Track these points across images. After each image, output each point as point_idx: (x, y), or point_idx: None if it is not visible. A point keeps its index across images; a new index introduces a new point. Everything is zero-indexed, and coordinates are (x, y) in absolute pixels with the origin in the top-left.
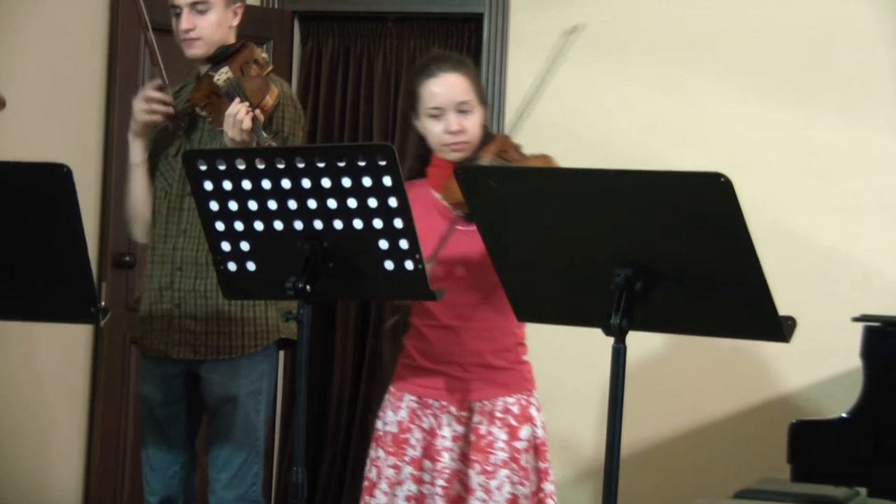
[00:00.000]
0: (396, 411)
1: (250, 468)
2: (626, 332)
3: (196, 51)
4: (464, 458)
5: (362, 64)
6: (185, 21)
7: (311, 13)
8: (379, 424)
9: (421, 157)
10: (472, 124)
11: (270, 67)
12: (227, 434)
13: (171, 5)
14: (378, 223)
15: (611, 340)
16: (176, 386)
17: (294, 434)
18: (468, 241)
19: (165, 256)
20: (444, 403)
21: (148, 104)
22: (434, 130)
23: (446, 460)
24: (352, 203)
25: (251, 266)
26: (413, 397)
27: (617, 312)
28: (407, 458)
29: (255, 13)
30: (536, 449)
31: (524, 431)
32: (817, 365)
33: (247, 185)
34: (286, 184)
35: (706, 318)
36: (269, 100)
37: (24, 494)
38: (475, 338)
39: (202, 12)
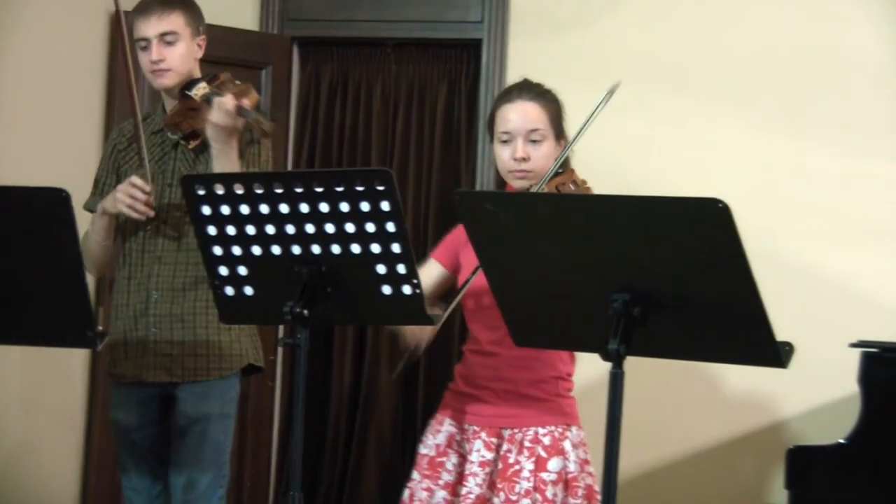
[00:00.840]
0: (436, 435)
1: (215, 491)
2: (623, 358)
3: (166, 81)
4: (492, 486)
5: (361, 89)
6: (155, 53)
7: (310, 39)
8: (421, 448)
9: (497, 184)
10: (540, 155)
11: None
12: (195, 455)
13: (138, 38)
14: (376, 248)
15: (607, 365)
16: (151, 409)
17: (291, 458)
18: None
19: (141, 283)
20: (477, 428)
21: (131, 198)
22: (502, 156)
23: (471, 485)
24: (350, 228)
25: (249, 290)
26: (452, 422)
27: (615, 338)
28: (441, 483)
29: (253, 38)
30: (567, 483)
31: (553, 463)
32: (815, 391)
33: (245, 209)
34: (284, 208)
35: (704, 343)
36: (250, 100)
37: None
38: (512, 366)
39: (170, 43)
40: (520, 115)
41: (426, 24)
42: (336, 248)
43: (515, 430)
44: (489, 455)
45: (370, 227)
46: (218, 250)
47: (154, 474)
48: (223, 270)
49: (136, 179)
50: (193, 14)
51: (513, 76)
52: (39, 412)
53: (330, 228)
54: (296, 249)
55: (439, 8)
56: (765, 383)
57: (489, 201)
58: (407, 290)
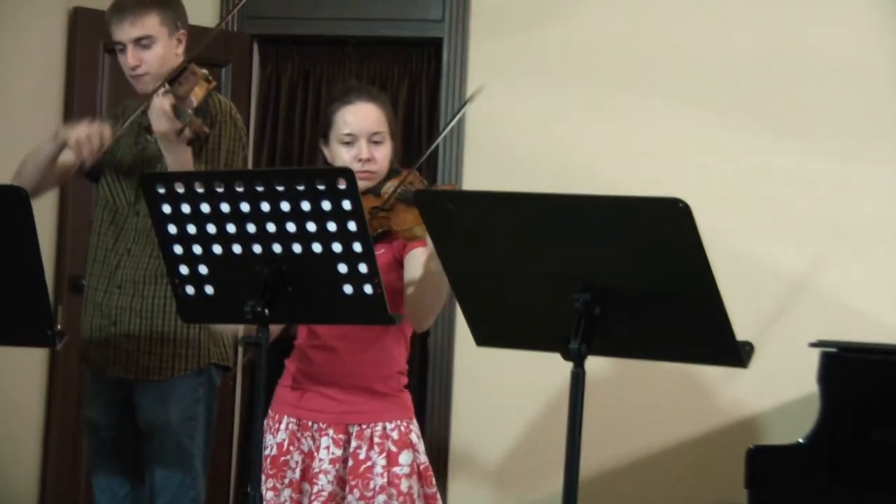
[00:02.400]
0: (276, 434)
1: (186, 493)
2: (585, 357)
3: (145, 86)
4: (341, 482)
5: (322, 88)
6: (132, 58)
7: (271, 36)
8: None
9: None
10: (382, 156)
11: (213, 83)
12: (160, 460)
13: (115, 42)
14: (337, 247)
15: (568, 365)
16: (118, 410)
17: (252, 457)
18: None
19: (107, 272)
20: (323, 425)
21: (88, 137)
22: (344, 157)
23: (323, 483)
24: (311, 227)
25: (209, 290)
26: (292, 419)
27: (576, 337)
28: (286, 481)
29: (213, 37)
30: (420, 474)
31: (404, 457)
32: (775, 390)
33: (205, 208)
34: (245, 207)
35: (665, 342)
36: (199, 91)
37: None
38: (357, 360)
39: (146, 47)
40: (362, 118)
41: (387, 22)
42: (297, 247)
43: (364, 426)
44: (338, 452)
45: (332, 227)
46: (178, 249)
47: (123, 474)
48: (184, 269)
49: (106, 130)
50: (169, 12)
51: (474, 74)
52: None
53: (291, 227)
54: (257, 248)
55: (400, 6)
56: (725, 383)
57: (450, 200)
58: (368, 289)
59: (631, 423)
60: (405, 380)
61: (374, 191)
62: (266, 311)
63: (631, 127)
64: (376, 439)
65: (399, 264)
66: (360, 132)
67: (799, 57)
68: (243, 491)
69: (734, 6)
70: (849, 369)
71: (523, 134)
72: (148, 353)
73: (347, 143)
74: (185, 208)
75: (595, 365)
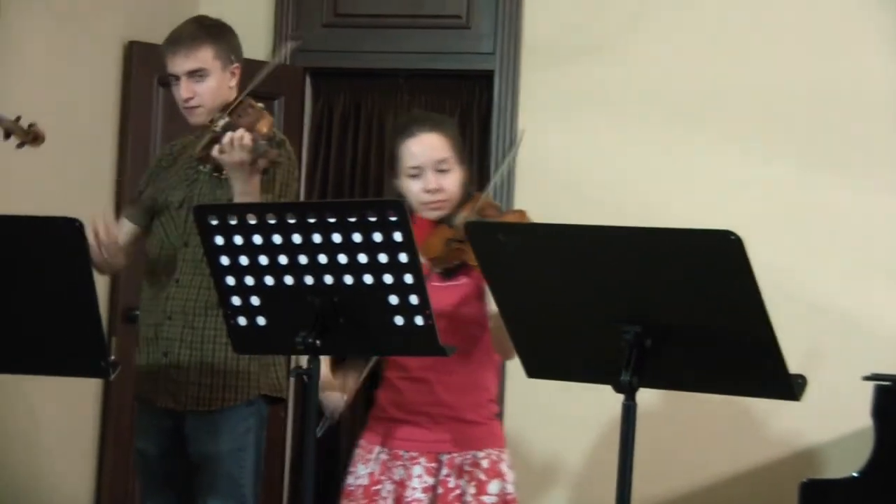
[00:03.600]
0: (367, 464)
1: None
2: (636, 390)
3: (198, 118)
4: None
5: (373, 120)
6: (185, 90)
7: (323, 70)
8: (350, 479)
9: None
10: (450, 183)
11: (270, 116)
12: (212, 489)
13: (169, 74)
14: (388, 278)
15: (619, 397)
16: (169, 441)
17: (303, 487)
18: (446, 295)
19: (158, 304)
20: (414, 454)
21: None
22: (413, 189)
23: None
24: (362, 258)
25: (261, 321)
26: (384, 449)
27: (627, 369)
28: None
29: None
30: None
31: (493, 486)
32: (828, 424)
33: (258, 239)
34: (297, 238)
35: (717, 375)
36: (263, 127)
37: None
38: (448, 390)
39: (200, 79)
40: (425, 148)
41: (438, 55)
42: (348, 279)
43: (454, 455)
44: (430, 480)
45: (382, 258)
46: (230, 280)
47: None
48: (236, 300)
49: (110, 222)
50: (223, 45)
51: (525, 107)
52: (52, 440)
53: (342, 259)
54: (308, 280)
55: (452, 39)
56: (779, 416)
57: (501, 232)
58: (419, 320)
59: (683, 456)
60: (496, 408)
61: (448, 221)
62: (317, 342)
63: (680, 160)
64: (466, 468)
65: (481, 294)
66: (425, 163)
67: (851, 95)
68: None
69: (781, 44)
70: None
71: (574, 165)
72: (198, 384)
73: (414, 176)
74: (238, 240)
75: (646, 397)
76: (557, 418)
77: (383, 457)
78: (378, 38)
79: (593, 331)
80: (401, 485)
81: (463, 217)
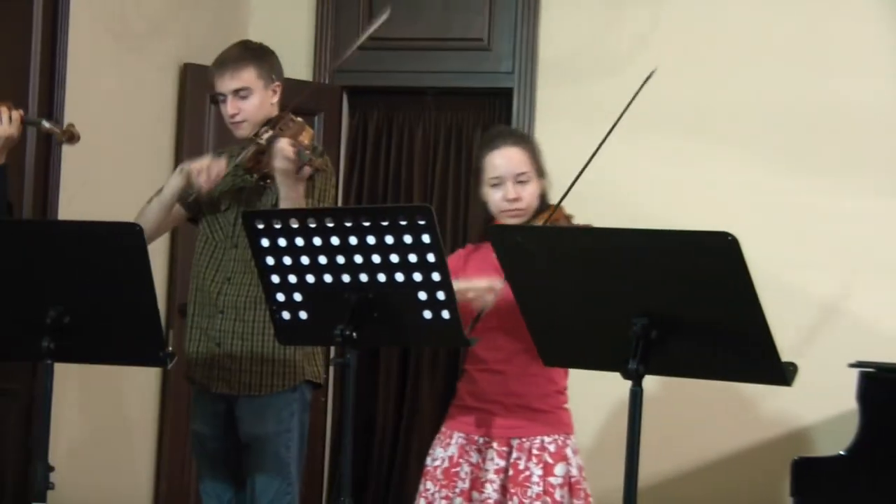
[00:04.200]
0: (447, 448)
1: (283, 497)
2: (642, 377)
3: (243, 132)
4: (504, 491)
5: (404, 133)
6: (231, 107)
7: (358, 87)
8: (429, 461)
9: (486, 223)
10: (529, 194)
11: (311, 129)
12: (260, 468)
13: (217, 93)
14: (418, 276)
15: (627, 383)
16: (221, 423)
17: (342, 466)
18: None
19: (210, 299)
20: (488, 440)
21: (208, 169)
22: (494, 198)
23: (489, 491)
24: (394, 258)
25: (303, 315)
26: (462, 434)
27: (634, 358)
28: (457, 490)
29: (306, 88)
30: (571, 486)
31: (559, 469)
32: (817, 407)
33: (299, 241)
34: (335, 240)
35: (716, 363)
36: (305, 138)
37: None
38: (518, 381)
39: (244, 97)
40: (506, 160)
41: (462, 74)
42: (382, 277)
43: (524, 440)
44: (501, 463)
45: (412, 258)
46: (275, 278)
47: (228, 481)
48: (280, 297)
49: (222, 164)
50: (265, 65)
51: (541, 121)
52: (111, 423)
53: (376, 259)
54: (345, 278)
55: (474, 60)
56: (772, 399)
57: (520, 234)
58: (446, 314)
59: (683, 436)
60: (564, 398)
61: None
62: (353, 334)
63: (688, 169)
64: (534, 451)
65: None
66: (506, 174)
67: (845, 106)
68: (334, 496)
69: (787, 59)
70: (885, 387)
71: (588, 175)
72: (248, 371)
73: (496, 186)
74: (282, 242)
75: (650, 383)
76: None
77: (461, 441)
78: (408, 60)
79: (603, 323)
80: (476, 467)
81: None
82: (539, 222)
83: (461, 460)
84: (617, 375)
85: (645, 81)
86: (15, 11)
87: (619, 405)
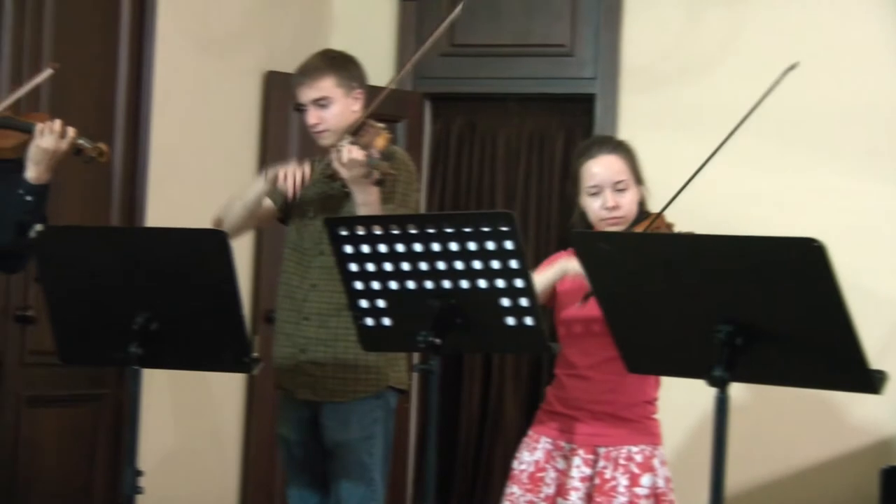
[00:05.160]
0: (533, 452)
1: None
2: (728, 384)
3: (326, 141)
4: (589, 499)
5: (486, 140)
6: (312, 117)
7: (441, 94)
8: (515, 464)
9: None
10: (627, 202)
11: (390, 134)
12: (344, 474)
13: (298, 103)
14: (501, 283)
15: (712, 390)
16: (306, 429)
17: (426, 473)
18: None
19: (296, 305)
20: (574, 446)
21: (293, 173)
22: (592, 207)
23: (574, 499)
24: (477, 265)
25: (387, 321)
26: (548, 440)
27: (720, 365)
28: (542, 495)
29: (390, 95)
30: (657, 498)
31: (645, 479)
32: None
33: (382, 248)
34: (418, 247)
35: (803, 371)
36: (380, 140)
37: None
38: (607, 389)
39: (324, 106)
40: (605, 169)
41: (545, 80)
42: (464, 283)
43: (610, 448)
44: (587, 471)
45: (495, 264)
46: (359, 285)
47: (313, 486)
48: (364, 303)
49: (307, 169)
50: (344, 74)
51: (624, 128)
52: (198, 428)
53: (459, 265)
54: (428, 284)
55: (556, 66)
56: (859, 407)
57: (604, 240)
58: (529, 321)
59: (770, 444)
60: (653, 408)
61: None
62: (437, 340)
63: (770, 174)
64: (621, 461)
65: None
66: (604, 182)
67: None
68: (418, 501)
69: (870, 64)
70: None
71: (671, 181)
72: (332, 377)
73: (594, 194)
74: (365, 248)
75: (734, 389)
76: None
77: (547, 447)
78: (490, 66)
79: (688, 330)
80: (562, 474)
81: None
82: (638, 230)
83: (547, 465)
84: (697, 384)
85: (783, 75)
86: (102, 21)
87: (701, 414)
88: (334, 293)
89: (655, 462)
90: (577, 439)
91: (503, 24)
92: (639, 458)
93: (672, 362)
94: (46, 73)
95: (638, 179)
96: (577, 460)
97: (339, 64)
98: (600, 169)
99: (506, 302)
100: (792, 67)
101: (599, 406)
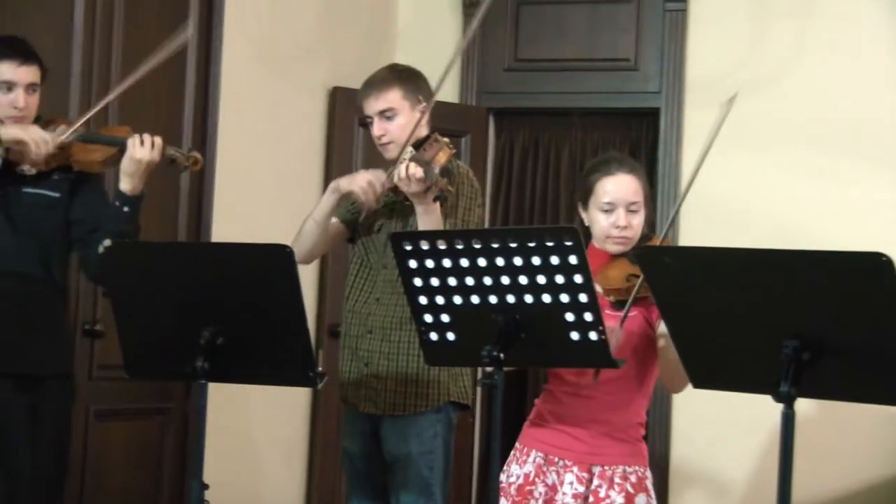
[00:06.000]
0: (522, 465)
1: None
2: (794, 399)
3: (391, 154)
4: None
5: (550, 154)
6: (377, 128)
7: (504, 109)
8: (503, 477)
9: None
10: (637, 223)
11: (453, 149)
12: (403, 487)
13: (365, 115)
14: (565, 298)
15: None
16: (368, 442)
17: (490, 489)
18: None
19: (360, 319)
20: (568, 463)
21: (370, 184)
22: (602, 223)
23: None
24: (541, 279)
25: (451, 336)
26: (540, 454)
27: (786, 381)
28: None
29: (454, 110)
30: None
31: (640, 499)
32: None
33: (447, 262)
34: (482, 262)
35: (870, 386)
36: (442, 156)
37: None
38: (605, 409)
39: (390, 118)
40: (622, 188)
41: (608, 94)
42: (529, 298)
43: (606, 468)
44: (581, 488)
45: (559, 279)
46: (423, 299)
47: (375, 500)
48: (428, 318)
49: (382, 176)
50: (411, 87)
51: (689, 143)
52: (264, 441)
53: (523, 280)
54: (492, 299)
55: (621, 80)
56: None
57: (667, 255)
58: (593, 336)
59: (838, 460)
60: (643, 431)
61: (629, 256)
62: (501, 355)
63: (833, 186)
64: (616, 480)
65: (648, 325)
66: (618, 201)
67: None
68: None
69: None
70: None
71: (734, 193)
72: (394, 391)
73: (606, 211)
74: (429, 263)
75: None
76: (723, 422)
77: (539, 461)
78: (554, 80)
79: (754, 345)
80: (552, 489)
81: None
82: None
83: (537, 479)
84: (761, 398)
85: (728, 106)
86: (170, 37)
87: (773, 426)
88: (397, 307)
89: (648, 483)
90: (571, 456)
91: (567, 39)
92: (633, 478)
93: (737, 378)
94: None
95: (647, 203)
96: (569, 476)
97: (406, 77)
98: (617, 187)
99: (570, 317)
100: (733, 98)
101: (597, 425)
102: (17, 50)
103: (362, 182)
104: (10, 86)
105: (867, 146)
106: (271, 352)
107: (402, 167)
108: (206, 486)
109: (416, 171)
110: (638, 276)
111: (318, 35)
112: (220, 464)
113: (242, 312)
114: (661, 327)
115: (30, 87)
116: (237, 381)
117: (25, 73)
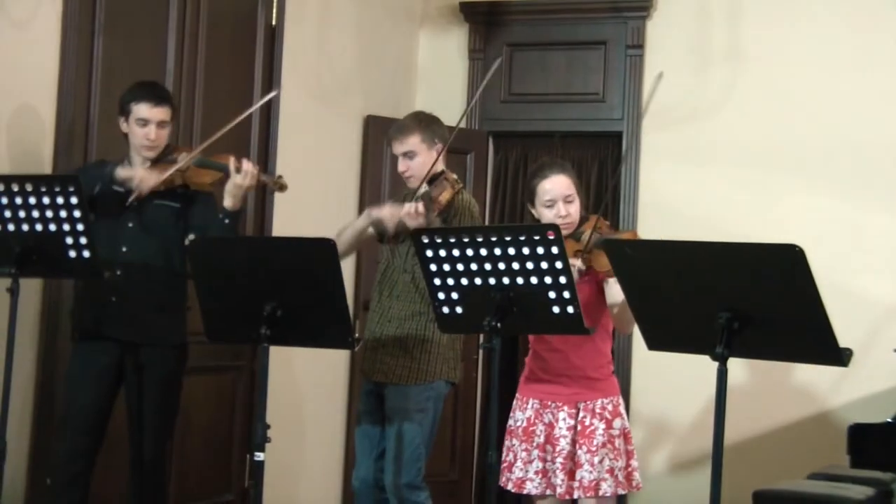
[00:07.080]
0: (524, 411)
1: (414, 464)
2: (727, 359)
3: (412, 185)
4: (574, 443)
5: None
6: (401, 165)
7: (501, 132)
8: (511, 422)
9: None
10: (574, 210)
11: (459, 185)
12: (398, 437)
13: (393, 153)
14: (548, 279)
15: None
16: (374, 402)
17: (488, 427)
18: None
19: (382, 309)
20: (559, 404)
21: (416, 212)
22: (548, 215)
23: (562, 444)
24: (529, 265)
25: (459, 310)
26: (536, 401)
27: (721, 344)
28: (534, 444)
29: (461, 133)
30: (625, 436)
31: (616, 423)
32: (868, 384)
33: (456, 252)
34: (483, 252)
35: (786, 348)
36: (444, 196)
37: None
38: (579, 357)
39: (411, 158)
40: (557, 185)
41: (582, 121)
42: (520, 280)
43: (588, 402)
44: (571, 422)
45: (544, 265)
46: (437, 281)
47: (373, 446)
48: (441, 295)
49: (399, 209)
50: (428, 131)
51: (645, 158)
52: (310, 389)
53: (515, 266)
54: (491, 281)
55: (592, 109)
56: (830, 378)
57: (628, 247)
58: (570, 309)
59: (756, 407)
60: (611, 367)
61: (574, 236)
62: (498, 325)
63: (765, 196)
64: (597, 410)
65: (599, 288)
66: (556, 196)
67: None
68: (483, 452)
69: (839, 111)
70: None
71: (684, 198)
72: (401, 366)
73: (549, 206)
74: (443, 252)
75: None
76: (676, 374)
77: (536, 406)
78: (540, 109)
79: (696, 316)
80: (549, 426)
81: (584, 233)
82: (586, 230)
83: (537, 421)
84: (701, 360)
85: (656, 83)
86: (243, 76)
87: (707, 385)
88: (412, 303)
89: (621, 409)
90: (561, 398)
91: (550, 77)
92: (609, 407)
93: (683, 342)
94: (271, 94)
95: (579, 191)
96: (562, 415)
97: (425, 124)
98: (553, 185)
99: (552, 294)
100: (660, 75)
101: (575, 371)
102: (152, 93)
103: (386, 213)
104: (145, 122)
105: (789, 161)
106: (319, 321)
107: (405, 207)
108: (268, 427)
109: (411, 209)
110: (586, 252)
111: (355, 69)
112: (279, 412)
113: (296, 290)
114: (613, 296)
115: (161, 124)
116: (292, 345)
117: (157, 113)
